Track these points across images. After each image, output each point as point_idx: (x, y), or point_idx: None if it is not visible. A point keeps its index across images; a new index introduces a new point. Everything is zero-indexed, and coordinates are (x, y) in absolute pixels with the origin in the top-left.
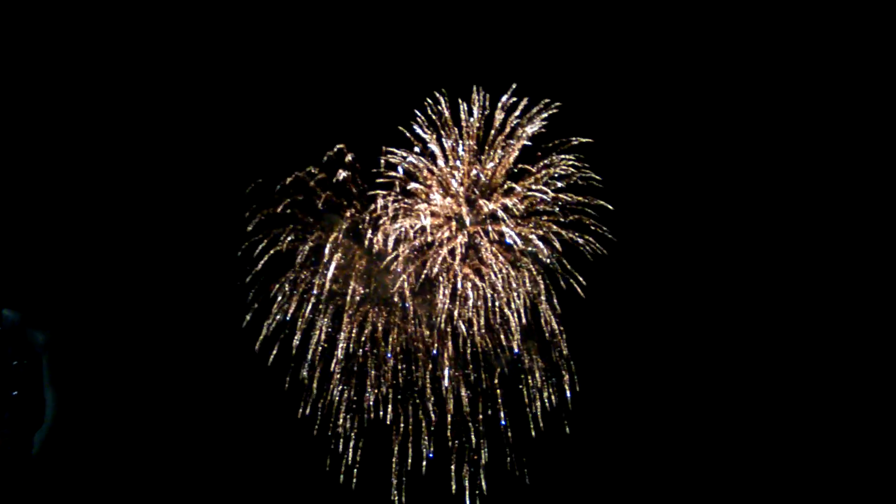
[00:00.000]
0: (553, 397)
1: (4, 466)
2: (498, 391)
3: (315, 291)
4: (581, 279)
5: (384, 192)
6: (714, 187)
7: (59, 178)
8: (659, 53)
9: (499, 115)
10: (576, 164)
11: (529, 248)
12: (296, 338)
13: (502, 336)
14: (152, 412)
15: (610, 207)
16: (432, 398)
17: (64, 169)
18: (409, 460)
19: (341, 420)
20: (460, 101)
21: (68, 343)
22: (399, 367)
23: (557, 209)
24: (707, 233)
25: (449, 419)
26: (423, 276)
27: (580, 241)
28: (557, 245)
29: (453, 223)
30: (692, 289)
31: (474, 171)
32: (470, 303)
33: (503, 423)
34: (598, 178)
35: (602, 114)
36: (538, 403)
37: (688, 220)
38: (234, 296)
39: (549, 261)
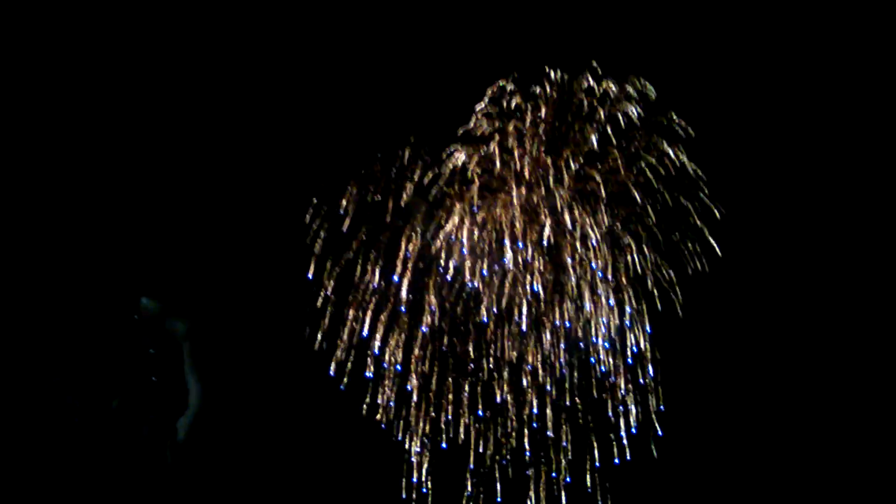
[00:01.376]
0: (639, 420)
1: (152, 452)
2: (579, 411)
3: (388, 309)
4: (679, 295)
5: (453, 191)
6: (850, 202)
7: (190, 165)
8: (788, 28)
9: (578, 99)
10: (675, 157)
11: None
12: (369, 362)
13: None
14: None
15: (717, 214)
16: (512, 419)
17: (195, 156)
18: (486, 485)
19: (416, 444)
20: (534, 86)
21: (208, 332)
22: (478, 386)
23: (650, 209)
24: (833, 254)
25: (527, 440)
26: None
27: (679, 249)
28: (650, 253)
29: (529, 218)
30: (808, 319)
31: (549, 162)
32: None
33: (564, 444)
34: (702, 177)
35: (710, 101)
36: (623, 426)
37: (812, 234)
38: (306, 318)
39: (639, 270)
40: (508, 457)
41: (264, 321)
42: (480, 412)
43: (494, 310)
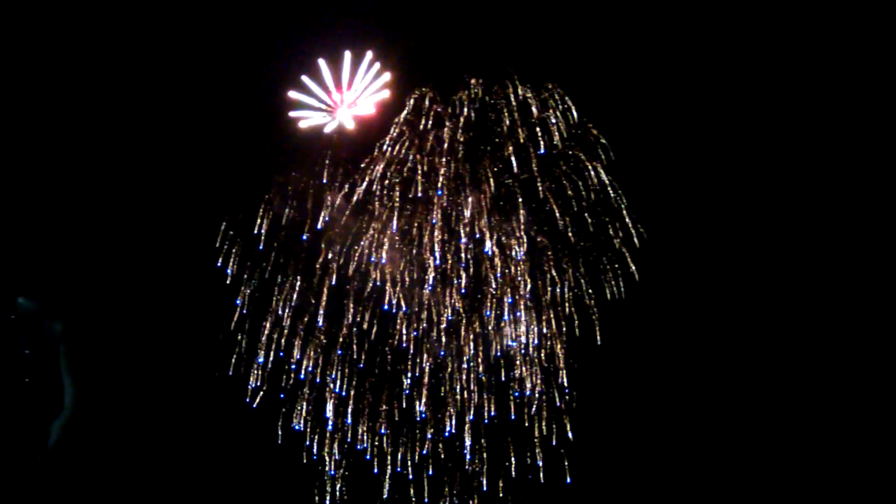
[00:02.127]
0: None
1: (19, 455)
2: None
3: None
4: (595, 320)
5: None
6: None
7: (73, 171)
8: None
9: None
10: (594, 173)
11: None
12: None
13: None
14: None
15: (637, 240)
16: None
17: (78, 162)
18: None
19: (332, 461)
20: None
21: (86, 333)
22: (395, 402)
23: (568, 220)
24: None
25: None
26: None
27: (599, 272)
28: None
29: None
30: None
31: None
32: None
33: (467, 455)
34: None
35: (631, 114)
36: (539, 442)
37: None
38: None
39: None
40: (428, 468)
41: (159, 329)
42: (396, 427)
43: (414, 332)
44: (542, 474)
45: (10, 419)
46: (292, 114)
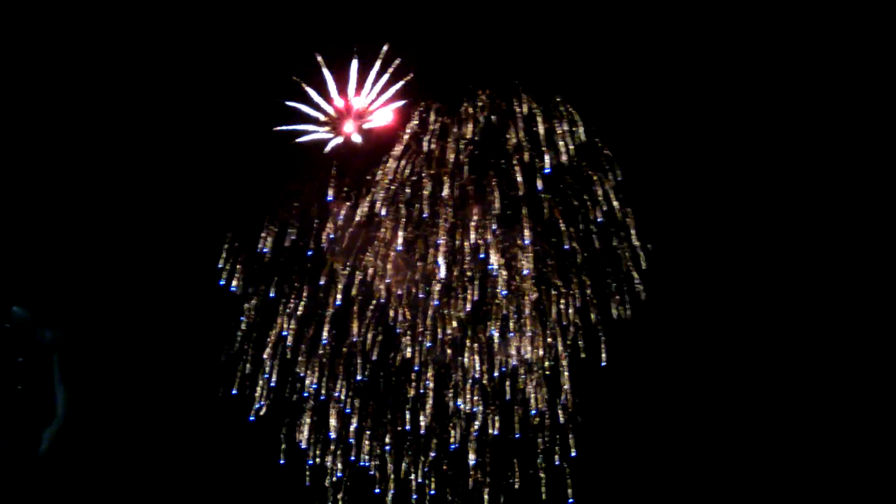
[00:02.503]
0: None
1: (9, 463)
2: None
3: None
4: (601, 340)
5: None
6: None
7: (71, 178)
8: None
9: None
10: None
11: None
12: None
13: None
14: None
15: (643, 260)
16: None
17: (77, 169)
18: None
19: (332, 480)
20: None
21: (79, 342)
22: (398, 419)
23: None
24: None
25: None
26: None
27: (604, 291)
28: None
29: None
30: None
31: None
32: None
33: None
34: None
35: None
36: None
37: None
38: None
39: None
40: (431, 483)
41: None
42: (400, 442)
43: (418, 346)
44: (543, 491)
45: (2, 426)
46: (284, 128)
